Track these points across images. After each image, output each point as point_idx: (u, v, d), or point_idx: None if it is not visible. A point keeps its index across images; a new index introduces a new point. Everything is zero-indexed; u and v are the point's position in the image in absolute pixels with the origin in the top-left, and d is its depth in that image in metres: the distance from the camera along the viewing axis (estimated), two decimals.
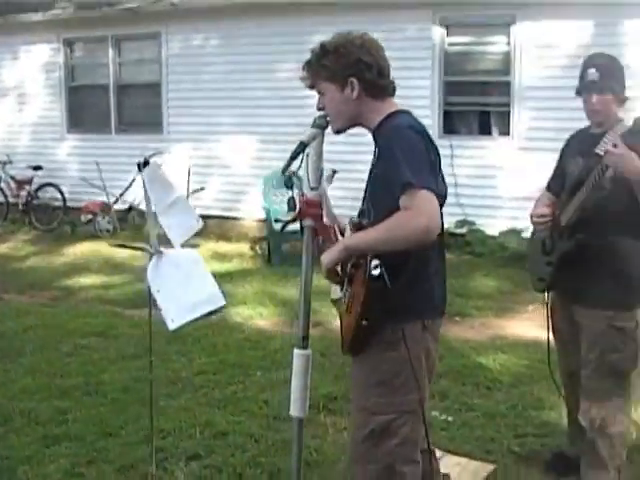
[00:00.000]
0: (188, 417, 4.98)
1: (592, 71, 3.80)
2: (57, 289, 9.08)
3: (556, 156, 4.12)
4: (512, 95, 10.09)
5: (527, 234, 9.30)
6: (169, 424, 4.85)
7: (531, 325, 7.33)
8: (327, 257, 2.92)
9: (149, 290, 3.48)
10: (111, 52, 12.87)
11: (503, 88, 10.18)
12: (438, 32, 10.32)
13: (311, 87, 3.14)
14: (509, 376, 5.81)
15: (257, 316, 7.70)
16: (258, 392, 5.48)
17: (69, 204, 12.95)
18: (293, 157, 3.07)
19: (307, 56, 3.04)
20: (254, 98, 11.50)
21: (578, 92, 3.91)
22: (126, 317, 7.67)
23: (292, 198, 3.11)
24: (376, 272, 2.75)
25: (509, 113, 10.16)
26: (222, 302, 3.62)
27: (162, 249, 3.44)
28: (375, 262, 2.76)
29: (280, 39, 11.24)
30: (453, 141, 10.06)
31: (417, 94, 10.02)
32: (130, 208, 12.36)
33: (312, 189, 3.10)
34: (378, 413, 2.94)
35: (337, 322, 3.21)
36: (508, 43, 10.09)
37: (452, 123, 10.62)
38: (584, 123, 4.03)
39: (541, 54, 9.87)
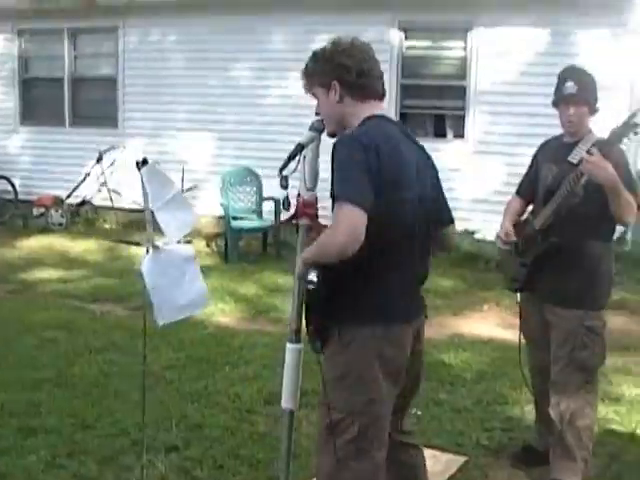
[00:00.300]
0: (163, 410, 5.04)
1: (570, 84, 3.99)
2: (14, 282, 9.02)
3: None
4: (467, 99, 10.32)
5: (480, 235, 9.66)
6: (145, 417, 4.91)
7: (487, 324, 7.57)
8: (297, 269, 3.09)
9: (144, 285, 3.56)
10: (67, 44, 12.75)
11: (459, 92, 10.39)
12: (396, 35, 10.50)
13: (308, 92, 3.25)
14: (471, 373, 6.00)
15: (219, 312, 7.77)
16: (228, 386, 5.57)
17: (21, 197, 12.83)
18: (290, 158, 3.19)
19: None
20: (211, 95, 11.55)
21: (555, 103, 4.09)
22: (87, 311, 7.70)
23: (287, 198, 3.24)
24: (311, 281, 2.96)
25: (464, 117, 10.38)
26: (207, 304, 3.73)
27: (159, 244, 3.52)
28: (313, 273, 2.96)
29: (239, 37, 11.31)
30: None
31: None
32: (83, 202, 12.31)
33: (308, 190, 3.21)
34: (333, 409, 3.06)
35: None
36: (465, 48, 10.31)
37: (408, 125, 10.79)
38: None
39: (496, 60, 10.10)
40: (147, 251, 3.53)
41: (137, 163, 3.40)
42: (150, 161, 3.44)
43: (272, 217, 10.43)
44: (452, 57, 10.63)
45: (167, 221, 3.42)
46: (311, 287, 3.00)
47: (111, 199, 11.89)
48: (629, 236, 9.46)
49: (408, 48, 10.65)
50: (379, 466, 3.12)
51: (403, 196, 2.95)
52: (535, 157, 4.36)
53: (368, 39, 3.21)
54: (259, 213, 10.74)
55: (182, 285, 3.52)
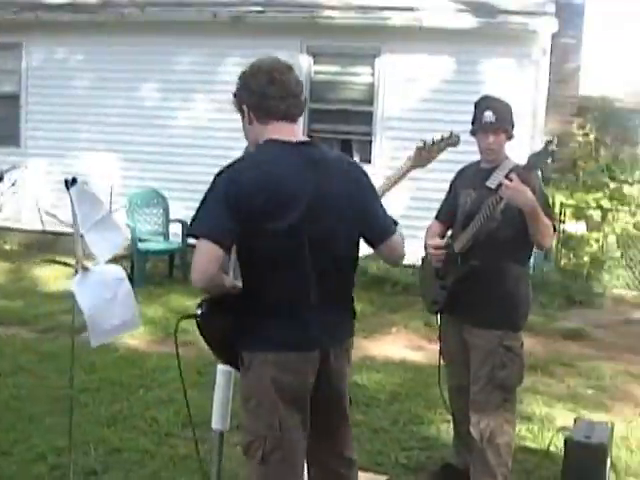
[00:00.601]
0: (79, 434, 4.95)
1: (489, 113, 4.13)
2: None
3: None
4: (374, 124, 10.51)
5: None
6: (61, 441, 4.81)
7: (396, 346, 7.70)
8: None
9: (74, 305, 3.52)
10: None
11: (366, 117, 10.57)
12: (305, 60, 10.61)
13: None
14: (385, 394, 6.09)
15: (127, 335, 7.64)
16: (144, 410, 5.52)
17: None
18: None
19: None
20: (116, 115, 11.39)
21: (473, 132, 4.23)
22: None
23: None
24: (199, 310, 3.08)
25: (371, 142, 10.55)
26: (139, 325, 3.72)
27: (88, 265, 3.49)
28: (201, 306, 3.08)
29: (145, 57, 11.21)
30: None
31: None
32: None
33: None
34: (245, 431, 3.14)
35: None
36: (372, 74, 10.50)
37: None
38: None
39: (403, 86, 10.33)
40: (76, 272, 3.49)
41: (66, 182, 3.37)
42: (79, 180, 3.41)
43: (179, 239, 10.35)
44: (360, 83, 10.80)
45: (96, 242, 3.39)
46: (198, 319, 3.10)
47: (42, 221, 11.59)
48: (531, 261, 9.76)
49: (317, 73, 10.77)
50: None
51: (272, 225, 2.94)
52: (453, 183, 4.49)
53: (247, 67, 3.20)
54: (166, 235, 10.66)
55: (115, 305, 3.50)
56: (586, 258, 10.31)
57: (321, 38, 10.51)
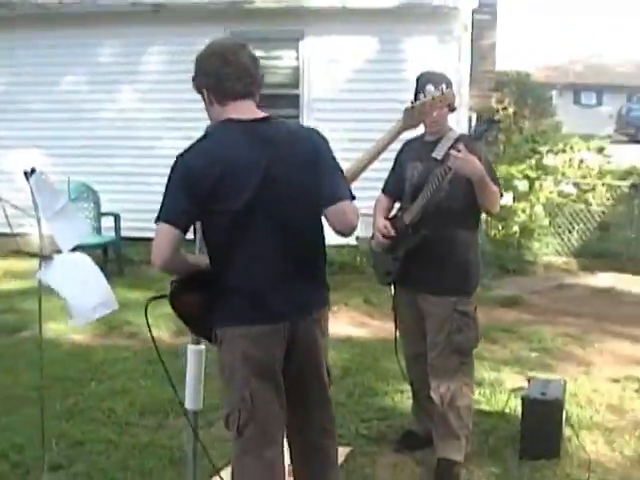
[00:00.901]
0: (38, 431, 4.91)
1: (430, 87, 4.22)
2: None
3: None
4: (301, 107, 10.55)
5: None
6: (20, 439, 4.79)
7: (339, 323, 7.77)
8: None
9: (40, 298, 3.52)
10: None
11: (292, 100, 10.59)
12: None
13: None
14: (337, 369, 6.13)
15: (70, 330, 7.58)
16: (99, 402, 5.49)
17: None
18: None
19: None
20: (40, 111, 11.19)
21: None
22: None
23: None
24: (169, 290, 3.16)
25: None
26: (116, 306, 3.71)
27: (53, 255, 3.49)
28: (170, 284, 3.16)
29: (65, 50, 11.00)
30: None
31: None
32: None
33: None
34: (223, 404, 3.25)
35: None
36: (297, 58, 10.55)
37: None
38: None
39: (328, 68, 10.39)
40: (40, 262, 3.49)
41: (25, 173, 3.36)
42: (37, 171, 3.40)
43: (112, 233, 10.26)
44: (285, 66, 10.82)
45: (60, 230, 3.39)
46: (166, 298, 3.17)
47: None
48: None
49: None
50: (271, 463, 3.19)
51: (228, 202, 3.02)
52: (398, 156, 4.57)
53: (201, 50, 3.25)
54: (98, 229, 10.53)
55: (91, 287, 3.51)
56: (515, 228, 10.55)
57: (244, 23, 10.46)
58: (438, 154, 4.24)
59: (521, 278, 9.74)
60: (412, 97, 4.18)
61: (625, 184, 11.32)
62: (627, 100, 40.49)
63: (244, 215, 3.03)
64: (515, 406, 5.06)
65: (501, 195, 4.28)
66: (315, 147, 3.23)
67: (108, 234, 10.31)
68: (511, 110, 16.74)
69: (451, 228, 4.24)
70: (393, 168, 4.61)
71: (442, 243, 4.23)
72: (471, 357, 4.37)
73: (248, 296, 3.09)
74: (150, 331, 3.33)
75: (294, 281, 3.15)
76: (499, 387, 5.58)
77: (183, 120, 10.09)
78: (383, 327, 7.57)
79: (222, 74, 3.12)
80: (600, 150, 12.48)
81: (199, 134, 3.19)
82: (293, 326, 3.14)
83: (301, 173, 3.13)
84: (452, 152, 3.99)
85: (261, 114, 3.21)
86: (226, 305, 3.11)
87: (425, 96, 4.15)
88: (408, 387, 5.26)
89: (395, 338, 4.60)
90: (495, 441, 4.67)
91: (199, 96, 3.22)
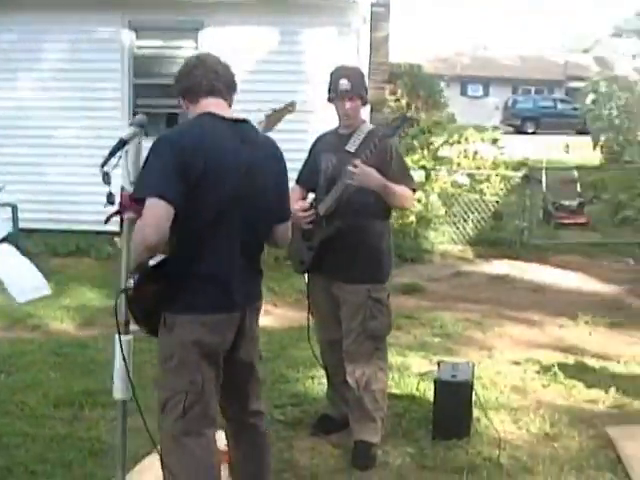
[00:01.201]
0: None
1: (344, 81, 4.35)
2: None
3: None
4: None
5: None
6: None
7: None
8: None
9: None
10: None
11: None
12: (127, 35, 10.47)
13: None
14: None
15: None
16: (11, 395, 5.38)
17: None
18: (112, 153, 3.25)
19: None
20: None
21: (331, 99, 4.44)
22: None
23: (110, 193, 3.30)
24: (131, 281, 3.18)
25: None
26: (49, 291, 3.74)
27: None
28: (132, 279, 3.18)
29: None
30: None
31: (108, 96, 10.19)
32: None
33: (132, 183, 3.31)
34: (162, 389, 3.30)
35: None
36: (196, 48, 10.48)
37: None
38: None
39: (228, 59, 10.35)
40: None
41: None
42: None
43: (9, 225, 10.03)
44: (184, 56, 10.48)
45: None
46: (129, 291, 3.20)
47: None
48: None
49: (139, 48, 10.63)
50: (209, 443, 3.32)
51: (210, 191, 3.13)
52: (313, 148, 4.68)
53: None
54: None
55: (23, 271, 3.53)
56: (412, 218, 10.80)
57: (143, 12, 10.38)
58: (351, 147, 4.38)
59: (419, 266, 10.00)
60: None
61: (518, 175, 11.75)
62: (512, 92, 41.83)
63: (225, 206, 3.17)
64: (424, 389, 5.26)
65: (414, 190, 4.45)
66: (281, 159, 3.48)
67: (5, 225, 10.09)
68: (404, 102, 17.10)
69: (364, 219, 4.38)
70: (307, 160, 4.71)
71: (355, 233, 4.36)
72: (384, 343, 4.53)
73: (212, 285, 3.22)
74: (117, 319, 3.27)
75: (247, 273, 3.35)
76: (406, 371, 5.75)
77: (82, 109, 10.00)
78: (287, 315, 7.72)
79: (192, 73, 3.32)
80: (494, 141, 12.89)
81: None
82: (242, 314, 3.32)
83: (271, 182, 3.38)
84: (349, 168, 4.15)
85: (240, 116, 3.35)
86: (188, 293, 3.19)
87: (339, 89, 4.31)
88: (319, 373, 5.43)
89: (308, 325, 4.71)
90: (408, 423, 4.84)
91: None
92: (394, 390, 5.31)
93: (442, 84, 21.77)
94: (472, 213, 11.22)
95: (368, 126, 4.49)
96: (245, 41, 10.30)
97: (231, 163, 3.20)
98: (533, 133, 33.15)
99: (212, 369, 3.27)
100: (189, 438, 3.25)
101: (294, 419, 4.96)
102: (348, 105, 4.38)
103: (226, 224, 3.20)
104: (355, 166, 4.13)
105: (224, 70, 3.40)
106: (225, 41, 10.31)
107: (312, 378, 5.60)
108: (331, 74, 4.49)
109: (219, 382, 3.33)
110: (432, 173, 11.22)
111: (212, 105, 3.29)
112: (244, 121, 3.34)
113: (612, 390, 5.48)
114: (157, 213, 2.99)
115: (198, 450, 3.27)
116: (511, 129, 31.72)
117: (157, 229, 2.99)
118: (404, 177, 4.41)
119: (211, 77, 3.31)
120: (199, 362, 3.22)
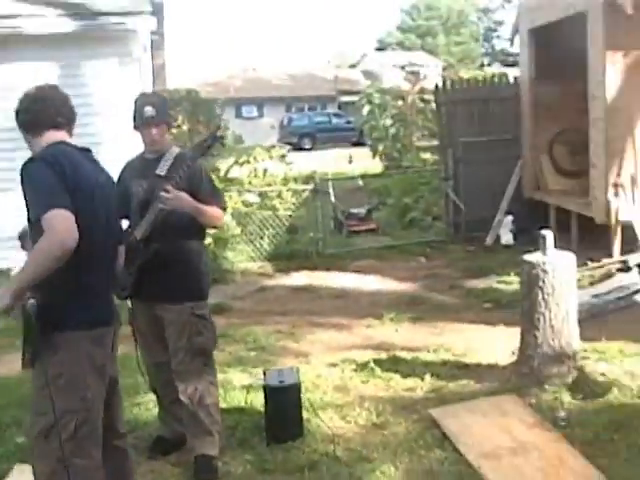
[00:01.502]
0: None
1: (149, 108, 4.47)
2: None
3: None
4: None
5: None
6: None
7: None
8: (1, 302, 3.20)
9: None
10: None
11: None
12: None
13: None
14: None
15: None
16: None
17: None
18: None
19: None
20: None
21: (137, 127, 4.53)
22: None
23: None
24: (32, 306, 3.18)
25: None
26: None
27: None
28: (31, 299, 3.18)
29: None
30: None
31: None
32: None
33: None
34: (45, 414, 3.27)
35: None
36: None
37: None
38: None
39: (4, 96, 10.09)
40: None
41: None
42: None
43: None
44: None
45: None
46: (32, 313, 3.17)
47: None
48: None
49: None
50: (98, 463, 3.38)
51: (90, 206, 3.31)
52: (121, 176, 4.73)
53: None
54: None
55: None
56: (209, 239, 10.89)
57: None
58: (161, 170, 4.49)
59: (222, 286, 10.06)
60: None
61: (307, 188, 12.12)
62: (286, 110, 42.82)
63: (99, 225, 3.38)
64: (251, 400, 5.41)
65: (224, 209, 4.63)
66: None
67: None
68: (185, 127, 17.18)
69: (180, 239, 4.51)
70: (117, 186, 4.75)
71: (173, 254, 4.48)
72: (212, 358, 4.66)
73: (95, 300, 3.39)
74: None
75: (111, 288, 3.65)
76: (229, 385, 5.86)
77: None
78: None
79: (31, 108, 3.52)
80: (282, 157, 13.22)
81: None
82: (114, 330, 3.53)
83: (114, 204, 3.69)
84: (162, 194, 4.29)
85: (83, 146, 3.55)
86: (75, 309, 3.30)
87: (144, 116, 4.41)
88: (144, 399, 5.46)
89: (137, 349, 4.74)
90: (241, 433, 4.98)
91: None
92: (222, 405, 5.40)
93: (216, 108, 21.95)
94: (267, 229, 11.45)
95: (175, 149, 4.61)
96: (24, 78, 10.02)
97: (91, 184, 3.38)
98: (310, 149, 34.08)
99: (100, 384, 3.37)
100: (80, 459, 3.28)
101: (129, 446, 4.95)
102: (155, 131, 4.50)
103: (101, 242, 3.40)
104: (167, 191, 4.25)
105: (63, 102, 3.56)
106: (4, 78, 10.04)
107: (139, 405, 5.60)
108: (135, 102, 4.59)
109: (103, 399, 3.41)
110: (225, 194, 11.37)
111: (58, 137, 3.44)
112: (88, 150, 3.54)
113: (427, 377, 5.87)
114: (65, 219, 3.11)
115: (91, 472, 3.33)
116: (289, 147, 32.48)
117: (72, 232, 3.10)
118: (214, 197, 4.58)
119: (51, 112, 3.47)
120: (88, 378, 3.30)
